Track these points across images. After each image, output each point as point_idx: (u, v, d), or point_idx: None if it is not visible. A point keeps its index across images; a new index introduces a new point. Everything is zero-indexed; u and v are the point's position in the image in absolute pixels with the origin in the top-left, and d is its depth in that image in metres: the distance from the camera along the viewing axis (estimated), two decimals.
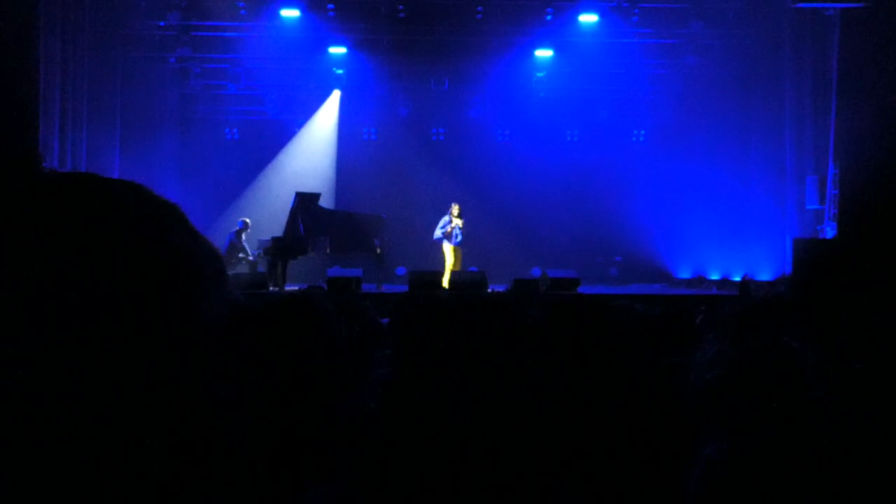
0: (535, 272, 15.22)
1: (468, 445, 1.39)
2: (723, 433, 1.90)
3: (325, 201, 14.85)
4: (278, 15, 14.99)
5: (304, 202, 13.95)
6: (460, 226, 13.79)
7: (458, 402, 1.50)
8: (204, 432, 0.62)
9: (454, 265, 13.74)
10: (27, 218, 0.58)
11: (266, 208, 15.82)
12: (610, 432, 2.05)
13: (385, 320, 4.85)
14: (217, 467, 0.63)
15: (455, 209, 13.79)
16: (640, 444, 2.06)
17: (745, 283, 13.04)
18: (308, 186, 15.00)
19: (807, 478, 1.37)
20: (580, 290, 13.00)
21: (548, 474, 1.68)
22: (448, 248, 13.72)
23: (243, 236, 14.14)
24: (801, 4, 13.03)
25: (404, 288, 13.04)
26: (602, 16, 15.03)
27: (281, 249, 13.41)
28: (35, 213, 0.59)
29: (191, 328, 0.61)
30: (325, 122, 17.19)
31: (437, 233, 13.81)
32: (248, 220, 14.35)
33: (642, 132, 17.47)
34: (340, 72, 16.18)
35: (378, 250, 14.16)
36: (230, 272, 13.26)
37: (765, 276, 15.50)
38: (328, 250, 14.14)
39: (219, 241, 14.37)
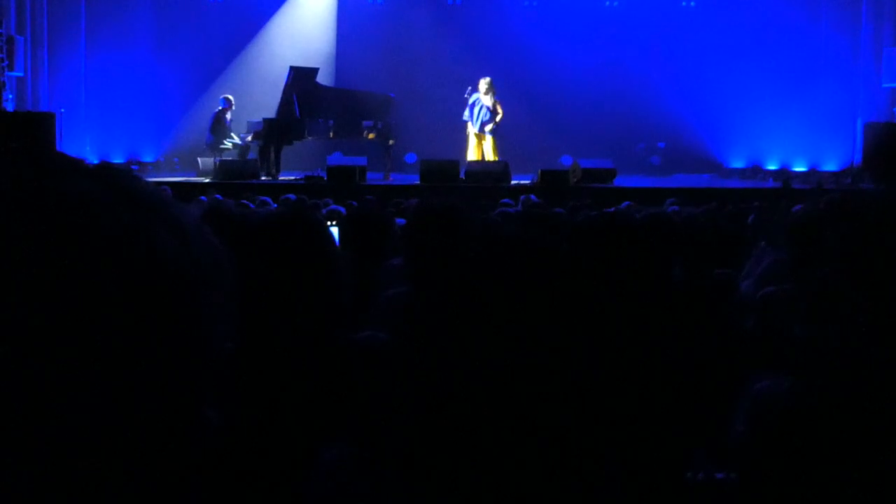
0: (566, 161, 15.13)
1: (498, 383, 1.42)
2: (781, 363, 1.93)
3: (324, 77, 14.68)
4: None
5: (300, 78, 13.79)
6: (490, 105, 13.42)
7: (484, 334, 1.53)
8: (190, 462, 0.62)
9: (489, 153, 13.44)
10: None
11: (256, 85, 15.65)
12: (651, 359, 2.09)
13: (398, 221, 4.88)
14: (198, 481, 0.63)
15: (483, 84, 13.43)
16: (683, 372, 2.10)
17: (787, 181, 12.86)
18: (304, 60, 14.80)
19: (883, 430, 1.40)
20: (617, 182, 12.97)
21: (584, 406, 1.73)
22: (472, 134, 13.50)
23: (228, 116, 13.91)
24: None
25: (415, 178, 13.04)
26: None
27: (274, 133, 13.36)
28: None
29: (178, 355, 0.59)
30: None
31: (466, 114, 13.54)
32: (230, 98, 14.06)
33: None
34: None
35: (370, 135, 14.00)
36: (217, 159, 13.23)
37: (830, 165, 15.38)
38: (331, 134, 14.05)
39: (202, 124, 14.30)
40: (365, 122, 13.99)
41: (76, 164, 0.62)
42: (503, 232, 2.00)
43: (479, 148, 13.49)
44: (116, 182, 0.61)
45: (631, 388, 1.87)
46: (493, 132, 13.47)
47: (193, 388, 0.61)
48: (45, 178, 0.58)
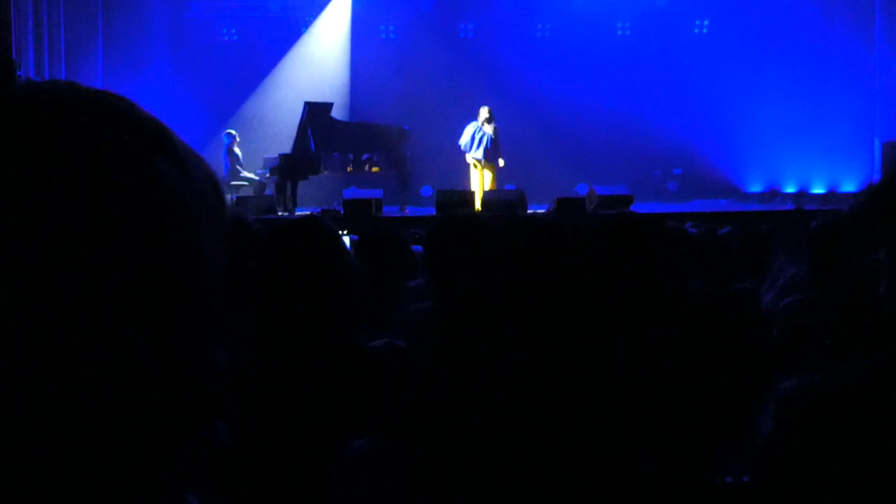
0: (582, 189, 15.14)
1: (516, 389, 1.43)
2: (806, 364, 1.92)
3: (338, 111, 14.78)
4: None
5: (315, 114, 13.91)
6: (491, 134, 13.32)
7: (505, 340, 1.54)
8: (200, 408, 0.60)
9: (488, 184, 13.32)
10: None
11: (271, 121, 15.78)
12: (675, 363, 2.08)
13: (415, 248, 4.90)
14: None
15: (484, 112, 13.39)
16: (707, 375, 2.09)
17: (800, 208, 12.79)
18: (318, 95, 14.92)
19: None
20: (633, 208, 12.94)
21: (605, 414, 1.73)
22: (475, 164, 13.41)
23: (237, 151, 14.04)
24: None
25: (431, 210, 13.06)
26: None
27: (290, 168, 13.44)
28: None
29: (179, 284, 0.58)
30: (336, 18, 16.98)
31: (464, 142, 13.43)
32: (233, 132, 14.17)
33: (706, 22, 17.06)
34: None
35: (374, 168, 14.12)
36: (233, 196, 13.33)
37: (849, 186, 15.32)
38: (347, 168, 14.13)
39: (219, 160, 14.42)
40: (364, 155, 14.09)
41: (73, 90, 0.60)
42: (524, 243, 2.01)
43: (482, 177, 13.38)
44: (115, 108, 0.60)
45: (653, 393, 1.86)
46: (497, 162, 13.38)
47: (196, 320, 0.59)
48: (43, 107, 0.57)
